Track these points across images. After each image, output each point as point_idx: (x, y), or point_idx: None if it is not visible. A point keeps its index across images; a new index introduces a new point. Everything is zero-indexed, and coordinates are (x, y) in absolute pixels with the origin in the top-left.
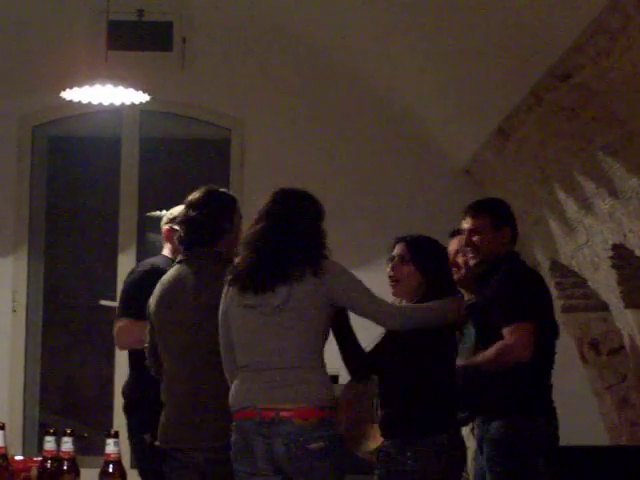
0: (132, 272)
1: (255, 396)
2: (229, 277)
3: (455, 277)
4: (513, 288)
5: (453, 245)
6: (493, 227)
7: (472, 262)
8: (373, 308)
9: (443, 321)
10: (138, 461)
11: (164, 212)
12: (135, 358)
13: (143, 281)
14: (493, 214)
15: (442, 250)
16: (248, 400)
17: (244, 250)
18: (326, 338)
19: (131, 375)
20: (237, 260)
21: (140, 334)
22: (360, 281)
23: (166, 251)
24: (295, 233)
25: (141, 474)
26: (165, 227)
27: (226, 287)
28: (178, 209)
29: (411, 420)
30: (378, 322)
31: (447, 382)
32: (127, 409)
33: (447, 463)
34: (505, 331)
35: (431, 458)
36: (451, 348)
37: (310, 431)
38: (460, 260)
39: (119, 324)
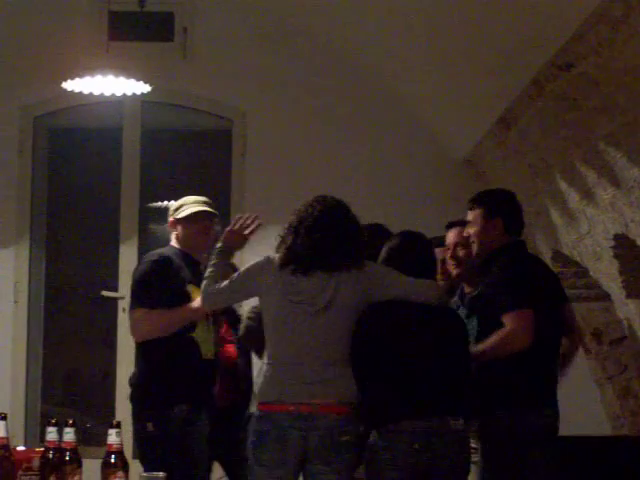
0: (141, 263)
1: (295, 391)
2: (279, 260)
3: (454, 272)
4: (511, 275)
5: (450, 238)
6: (485, 218)
7: (474, 253)
8: (416, 288)
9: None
10: (140, 449)
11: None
12: (143, 348)
13: (154, 271)
14: (485, 205)
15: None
16: (287, 395)
17: (301, 229)
18: None
19: (139, 364)
20: (289, 241)
21: (158, 323)
22: (395, 271)
23: (174, 241)
24: (347, 226)
25: (143, 462)
26: (170, 219)
27: (277, 272)
28: (189, 199)
29: (378, 407)
30: (422, 298)
31: (421, 368)
32: (133, 398)
33: (424, 451)
34: (504, 319)
35: (400, 446)
36: (431, 335)
37: (342, 425)
38: (461, 253)
39: (135, 315)
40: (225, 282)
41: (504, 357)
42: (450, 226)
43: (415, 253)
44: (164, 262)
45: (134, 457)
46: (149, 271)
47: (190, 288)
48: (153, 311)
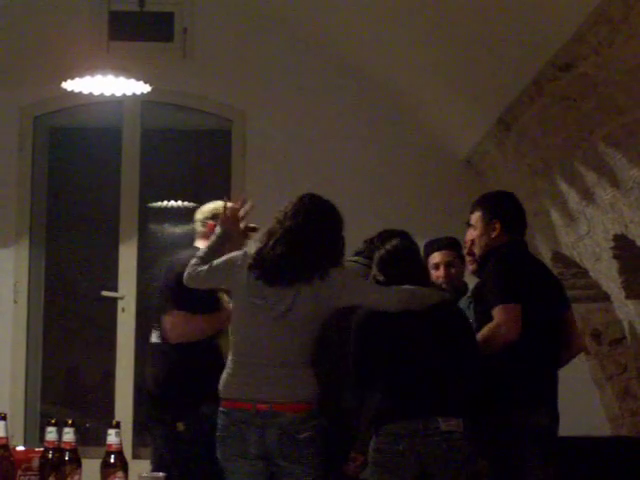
0: (174, 266)
1: (252, 390)
2: (249, 261)
3: (471, 268)
4: (500, 271)
5: (467, 235)
6: (484, 221)
7: (477, 255)
8: (374, 296)
9: (421, 305)
10: (170, 451)
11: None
12: (170, 349)
13: None
14: (484, 208)
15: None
16: (245, 393)
17: (270, 241)
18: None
19: (162, 365)
20: (260, 247)
21: (197, 327)
22: (359, 276)
23: (200, 244)
24: (321, 238)
25: (173, 464)
26: (210, 222)
27: (245, 271)
28: (219, 204)
29: (371, 410)
30: (380, 307)
31: (409, 369)
32: (157, 398)
33: (409, 452)
34: (493, 313)
35: (387, 447)
36: (409, 337)
37: (300, 422)
38: (476, 250)
39: (173, 318)
40: (206, 266)
41: (495, 350)
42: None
43: (402, 262)
44: None
45: (134, 457)
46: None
47: (219, 294)
48: (190, 315)
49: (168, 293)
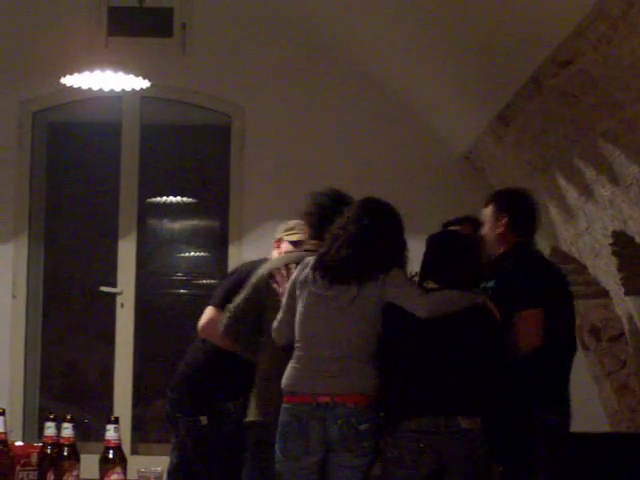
0: (238, 271)
1: (313, 382)
2: (314, 262)
3: None
4: (520, 276)
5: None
6: (494, 215)
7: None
8: (406, 302)
9: (450, 311)
10: (191, 442)
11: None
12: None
13: (242, 282)
14: (496, 202)
15: None
16: (306, 386)
17: (334, 245)
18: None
19: (197, 357)
20: (324, 250)
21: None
22: (408, 281)
23: (275, 254)
24: (383, 241)
25: (198, 457)
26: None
27: (309, 271)
28: (290, 223)
29: (389, 405)
30: (413, 312)
31: (432, 367)
32: (186, 389)
33: (429, 449)
34: (516, 317)
35: (406, 444)
36: (430, 339)
37: (360, 414)
38: None
39: (212, 315)
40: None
41: (519, 356)
42: (446, 225)
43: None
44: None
45: (132, 452)
46: (241, 282)
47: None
48: None
49: (221, 290)
